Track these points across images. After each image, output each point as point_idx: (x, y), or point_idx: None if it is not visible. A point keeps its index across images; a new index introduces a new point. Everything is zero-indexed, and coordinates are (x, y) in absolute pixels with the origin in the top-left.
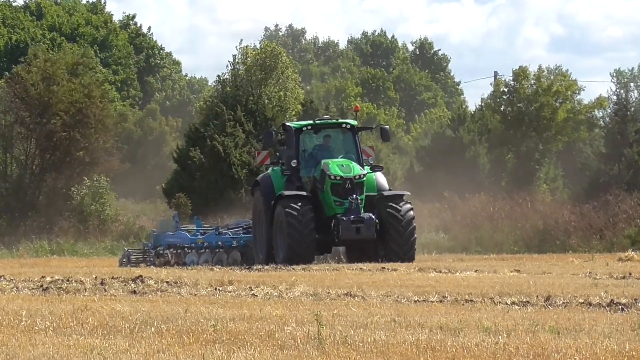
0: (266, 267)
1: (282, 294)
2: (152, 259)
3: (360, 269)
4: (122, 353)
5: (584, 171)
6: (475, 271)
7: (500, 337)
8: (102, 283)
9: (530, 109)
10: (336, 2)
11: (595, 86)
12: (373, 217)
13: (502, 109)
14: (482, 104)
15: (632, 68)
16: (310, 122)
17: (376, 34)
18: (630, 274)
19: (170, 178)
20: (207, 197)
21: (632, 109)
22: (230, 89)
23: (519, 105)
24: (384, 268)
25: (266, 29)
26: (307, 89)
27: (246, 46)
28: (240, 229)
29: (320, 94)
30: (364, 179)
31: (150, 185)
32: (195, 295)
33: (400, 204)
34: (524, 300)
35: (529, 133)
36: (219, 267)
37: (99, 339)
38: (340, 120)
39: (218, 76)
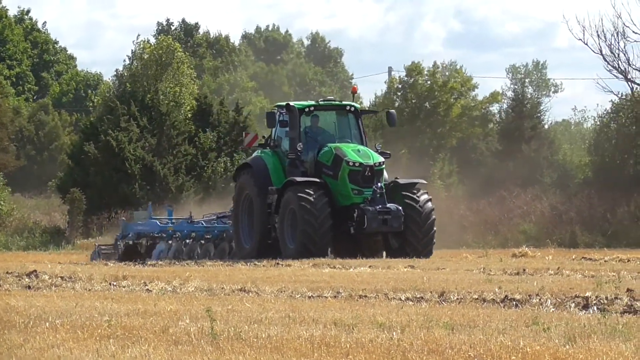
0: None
1: (176, 289)
2: (120, 251)
3: (255, 264)
4: (17, 348)
5: (479, 167)
6: (370, 267)
7: (394, 332)
8: None
9: (425, 105)
10: None
11: (491, 82)
12: (400, 208)
13: (396, 105)
14: (376, 100)
15: (527, 64)
16: (314, 102)
17: (270, 29)
18: (524, 269)
19: (64, 173)
20: (101, 192)
21: (528, 105)
22: (127, 84)
23: (413, 101)
24: (278, 264)
25: (158, 23)
26: (199, 84)
27: (142, 41)
28: (215, 218)
29: (213, 88)
30: (384, 166)
31: (44, 180)
32: (89, 290)
33: (418, 194)
34: (418, 296)
35: (424, 129)
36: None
37: None
38: (344, 102)
39: (116, 70)
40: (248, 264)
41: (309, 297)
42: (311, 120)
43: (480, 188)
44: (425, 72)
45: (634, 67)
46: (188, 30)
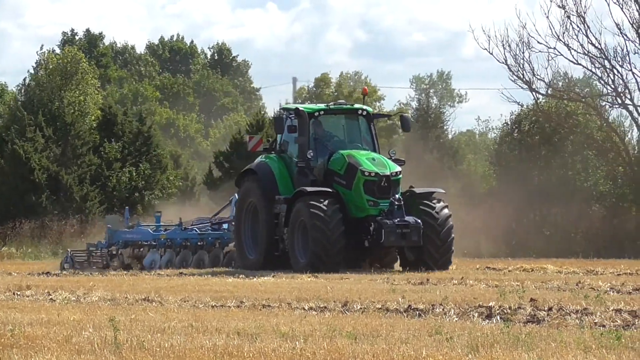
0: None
1: (80, 299)
2: (104, 259)
3: (159, 274)
4: None
5: None
6: (273, 276)
7: (297, 342)
8: None
9: None
10: (141, 7)
11: (396, 92)
12: (419, 221)
13: None
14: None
15: (431, 74)
16: (324, 106)
17: (174, 39)
18: (427, 279)
19: None
20: (8, 202)
21: (432, 115)
22: (31, 94)
23: None
24: (181, 273)
25: (64, 33)
26: (104, 94)
27: (46, 51)
28: (209, 225)
29: (117, 98)
30: (400, 176)
31: None
32: None
33: (435, 203)
34: (322, 305)
35: None
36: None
37: None
38: (356, 106)
39: (24, 80)
40: (152, 273)
41: (213, 307)
42: (315, 125)
43: None
44: (332, 83)
45: (538, 77)
46: (92, 40)
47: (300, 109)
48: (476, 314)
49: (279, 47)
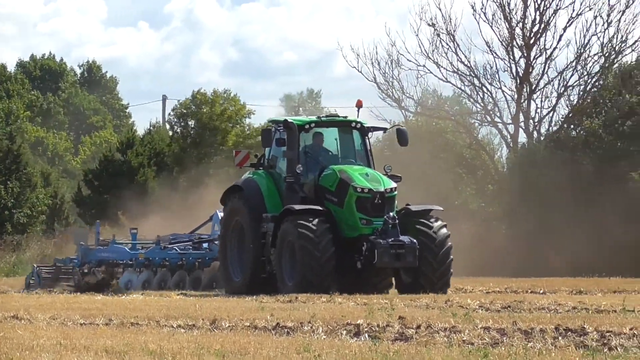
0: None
1: None
2: (76, 278)
3: (27, 292)
4: None
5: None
6: (142, 294)
7: None
8: None
9: (205, 134)
10: (13, 25)
11: (267, 110)
12: (415, 241)
13: (178, 132)
14: (152, 127)
15: (301, 92)
16: (315, 118)
17: (45, 57)
18: (296, 297)
19: None
20: None
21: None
22: None
23: (196, 129)
24: (50, 291)
25: None
26: None
27: None
28: (190, 243)
29: None
30: (396, 192)
31: None
32: None
33: (432, 221)
34: (190, 323)
35: (200, 157)
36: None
37: None
38: (349, 118)
39: None
40: (21, 291)
41: (81, 325)
42: (314, 139)
43: None
44: (208, 101)
45: (407, 95)
46: None
47: (289, 120)
48: (344, 332)
49: (150, 65)
